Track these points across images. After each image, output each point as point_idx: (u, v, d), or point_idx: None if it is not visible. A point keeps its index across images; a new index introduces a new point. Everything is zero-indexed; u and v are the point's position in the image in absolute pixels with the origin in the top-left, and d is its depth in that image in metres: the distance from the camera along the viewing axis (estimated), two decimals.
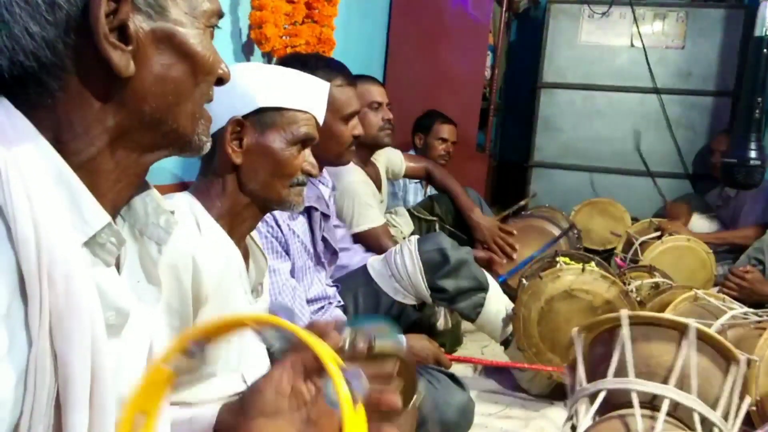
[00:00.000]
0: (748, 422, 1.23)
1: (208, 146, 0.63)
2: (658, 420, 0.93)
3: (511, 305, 1.97)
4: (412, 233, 2.48)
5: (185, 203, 1.01)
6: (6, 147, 0.49)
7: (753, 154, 3.03)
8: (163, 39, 0.55)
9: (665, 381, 0.98)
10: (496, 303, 1.91)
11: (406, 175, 2.73)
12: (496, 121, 4.07)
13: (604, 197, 3.61)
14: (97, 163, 0.55)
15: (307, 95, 1.09)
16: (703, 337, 1.02)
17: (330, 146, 1.60)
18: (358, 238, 2.10)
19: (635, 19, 3.90)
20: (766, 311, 1.51)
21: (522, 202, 3.36)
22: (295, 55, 1.81)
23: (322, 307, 1.63)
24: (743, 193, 3.27)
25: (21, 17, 0.50)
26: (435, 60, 3.56)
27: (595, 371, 1.08)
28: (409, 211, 2.70)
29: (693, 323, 1.02)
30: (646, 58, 3.90)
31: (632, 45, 3.95)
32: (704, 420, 0.96)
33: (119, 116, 0.55)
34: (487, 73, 3.70)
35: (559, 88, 4.11)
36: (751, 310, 1.56)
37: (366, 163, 2.30)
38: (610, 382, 1.01)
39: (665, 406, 0.95)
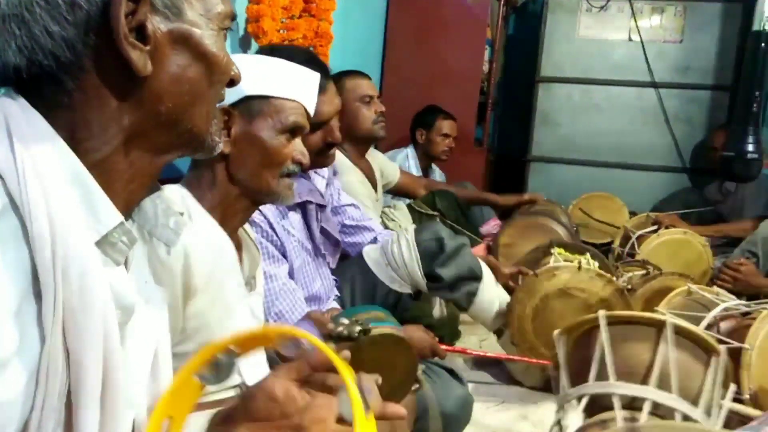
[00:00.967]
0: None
1: (220, 147, 0.64)
2: (640, 422, 0.93)
3: (505, 296, 1.98)
4: None
5: (177, 195, 1.00)
6: (22, 145, 0.49)
7: (750, 147, 3.04)
8: (179, 40, 0.56)
9: (645, 380, 0.99)
10: (489, 293, 1.91)
11: (399, 189, 2.74)
12: (494, 115, 4.07)
13: (602, 191, 3.62)
14: (111, 163, 0.55)
15: (295, 84, 1.09)
16: (681, 332, 1.02)
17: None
18: None
19: (633, 13, 3.90)
20: (760, 302, 1.51)
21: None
22: (274, 46, 1.79)
23: (322, 307, 1.63)
24: (743, 188, 3.27)
25: (41, 17, 0.50)
26: (433, 54, 3.56)
27: (579, 373, 1.09)
28: (409, 206, 2.70)
29: (670, 319, 1.02)
30: (644, 52, 3.90)
31: (630, 39, 3.95)
32: (686, 418, 0.96)
33: (135, 116, 0.55)
34: (485, 67, 3.69)
35: (557, 82, 4.10)
36: (743, 302, 1.57)
37: (361, 159, 2.30)
38: (592, 386, 1.02)
39: (647, 407, 0.95)
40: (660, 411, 0.97)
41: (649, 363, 0.99)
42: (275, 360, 1.06)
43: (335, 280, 1.78)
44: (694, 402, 0.97)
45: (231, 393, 0.96)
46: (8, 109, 0.51)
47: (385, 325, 1.04)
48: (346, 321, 1.02)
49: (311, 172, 1.70)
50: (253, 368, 1.00)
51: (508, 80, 4.47)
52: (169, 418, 0.59)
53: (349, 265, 1.84)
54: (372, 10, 3.43)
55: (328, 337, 1.02)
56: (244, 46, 2.08)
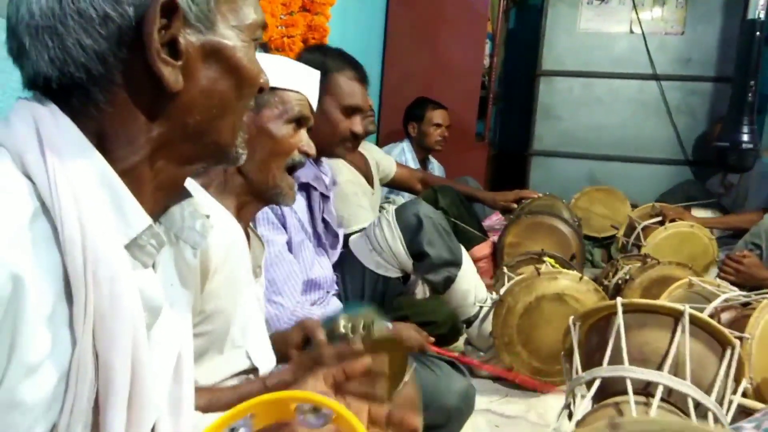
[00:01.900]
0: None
1: (243, 158, 0.64)
2: (652, 406, 0.93)
3: (482, 290, 1.98)
4: None
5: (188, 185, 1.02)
6: (52, 150, 0.50)
7: (745, 137, 3.02)
8: (211, 53, 0.56)
9: (660, 367, 0.99)
10: (467, 282, 1.92)
11: (396, 183, 2.73)
12: (495, 109, 4.06)
13: (604, 185, 3.61)
14: (137, 172, 0.55)
15: (298, 78, 1.12)
16: (697, 323, 1.02)
17: (323, 134, 1.60)
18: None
19: (634, 6, 3.89)
20: (760, 292, 1.51)
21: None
22: (318, 47, 1.84)
23: (321, 298, 1.63)
24: (746, 180, 3.26)
25: (74, 30, 0.51)
26: (433, 49, 3.55)
27: (591, 359, 1.09)
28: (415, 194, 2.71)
29: (687, 309, 1.02)
30: (646, 45, 3.89)
31: (631, 31, 3.94)
32: (698, 405, 0.96)
33: (163, 128, 0.55)
34: (486, 61, 3.69)
35: (558, 75, 4.10)
36: (744, 293, 1.56)
37: (353, 155, 2.29)
38: (605, 369, 1.02)
39: (659, 393, 0.95)
40: (672, 398, 0.97)
41: (664, 351, 0.99)
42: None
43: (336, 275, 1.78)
44: (707, 392, 0.97)
45: (241, 378, 0.98)
46: (38, 112, 0.52)
47: (383, 326, 1.05)
48: (345, 320, 1.03)
49: (317, 167, 1.70)
50: (260, 352, 1.02)
51: (509, 74, 4.46)
52: None
53: (338, 260, 1.84)
54: (372, 5, 3.43)
55: (326, 338, 1.03)
56: None
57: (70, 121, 0.52)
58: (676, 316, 1.01)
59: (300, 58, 1.70)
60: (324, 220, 1.67)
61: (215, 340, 0.97)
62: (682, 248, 2.67)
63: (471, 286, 1.96)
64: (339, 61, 1.66)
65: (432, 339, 1.56)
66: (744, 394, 1.03)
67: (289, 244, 1.50)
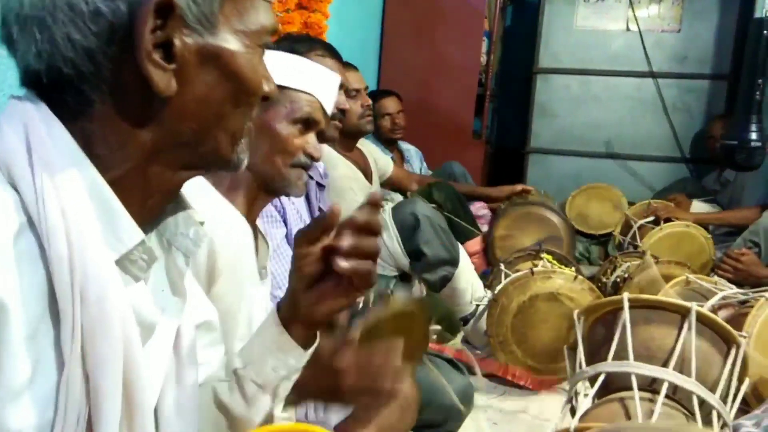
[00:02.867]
0: (743, 401, 1.24)
1: (245, 163, 0.61)
2: (657, 403, 0.93)
3: (480, 288, 1.98)
4: None
5: (195, 182, 1.01)
6: (42, 161, 0.48)
7: (754, 135, 3.01)
8: (209, 58, 0.52)
9: (665, 364, 0.98)
10: (464, 281, 1.91)
11: (392, 182, 2.71)
12: (492, 107, 4.06)
13: (600, 182, 3.61)
14: (129, 179, 0.53)
15: (311, 79, 1.08)
16: (703, 321, 1.01)
17: None
18: None
19: (631, 3, 3.89)
20: (757, 290, 1.51)
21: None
22: (285, 36, 1.80)
23: None
24: (742, 177, 3.25)
25: (63, 23, 0.48)
26: (430, 47, 3.55)
27: (595, 354, 1.08)
28: (405, 197, 2.70)
29: (694, 306, 1.02)
30: (642, 42, 3.89)
31: (628, 29, 3.94)
32: (703, 403, 0.96)
33: (156, 134, 0.53)
34: (483, 59, 3.68)
35: (555, 73, 4.10)
36: (741, 291, 1.57)
37: (351, 152, 2.29)
38: (610, 365, 1.01)
39: (664, 389, 0.95)
40: (677, 395, 0.97)
41: (670, 348, 0.99)
42: None
43: None
44: (711, 389, 0.97)
45: None
46: (28, 115, 0.50)
47: (405, 293, 1.03)
48: (370, 292, 1.02)
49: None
50: None
51: (506, 72, 4.45)
52: None
53: None
54: (369, 3, 3.42)
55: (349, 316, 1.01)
56: None
57: (61, 126, 0.50)
58: (683, 312, 1.00)
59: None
60: (320, 210, 1.67)
61: (227, 342, 0.96)
62: (679, 247, 2.67)
63: (468, 284, 1.96)
64: (308, 43, 1.64)
65: (434, 336, 1.56)
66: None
67: (288, 236, 1.50)
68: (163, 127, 0.53)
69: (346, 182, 2.12)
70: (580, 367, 1.09)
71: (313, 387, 0.75)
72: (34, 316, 0.46)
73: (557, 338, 1.77)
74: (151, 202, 0.56)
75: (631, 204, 3.38)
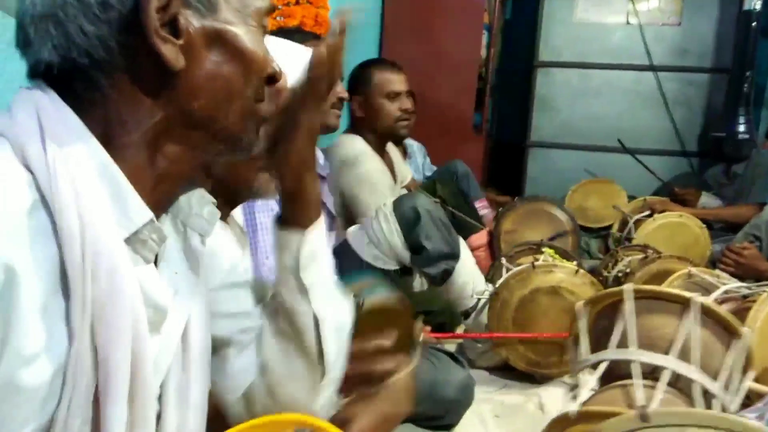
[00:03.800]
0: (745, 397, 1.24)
1: (259, 147, 0.63)
2: (658, 390, 0.93)
3: (481, 281, 1.98)
4: None
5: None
6: (54, 141, 0.49)
7: (742, 128, 3.02)
8: (213, 36, 0.55)
9: (666, 352, 0.99)
10: (465, 275, 1.91)
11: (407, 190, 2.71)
12: (492, 101, 4.05)
13: (601, 176, 3.62)
14: (142, 160, 0.55)
15: (280, 59, 1.08)
16: (706, 312, 1.02)
17: None
18: None
19: None
20: (760, 284, 1.51)
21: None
22: (279, 30, 1.80)
23: None
24: (752, 171, 3.25)
25: (75, 16, 0.51)
26: (430, 40, 3.54)
27: (598, 344, 1.09)
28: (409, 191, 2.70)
29: (697, 297, 1.02)
30: (642, 36, 3.89)
31: (628, 22, 3.93)
32: (705, 392, 0.96)
33: (168, 112, 0.55)
34: (483, 53, 3.67)
35: (555, 67, 4.09)
36: (744, 284, 1.56)
37: (383, 153, 2.28)
38: (612, 353, 1.02)
39: (665, 377, 0.95)
40: (679, 383, 0.97)
41: (672, 337, 0.99)
42: None
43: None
44: (713, 378, 0.98)
45: None
46: (40, 102, 0.52)
47: (378, 293, 1.04)
48: None
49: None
50: None
51: (506, 66, 4.44)
52: None
53: (335, 250, 1.83)
54: None
55: None
56: None
57: (70, 110, 0.52)
58: (686, 303, 1.01)
59: None
60: (322, 204, 1.67)
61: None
62: (674, 239, 2.67)
63: (469, 278, 1.96)
64: (301, 35, 1.63)
65: (428, 327, 1.56)
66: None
67: None
68: (175, 106, 0.55)
69: (377, 176, 2.10)
70: (583, 356, 1.09)
71: None
72: (46, 290, 0.47)
73: (558, 332, 1.77)
74: (165, 186, 0.58)
75: (631, 198, 3.38)
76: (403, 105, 2.21)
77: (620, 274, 2.25)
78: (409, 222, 1.79)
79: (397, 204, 1.83)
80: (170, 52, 0.52)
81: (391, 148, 2.44)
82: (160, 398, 0.60)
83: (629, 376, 0.96)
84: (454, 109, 3.29)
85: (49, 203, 0.48)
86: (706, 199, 3.25)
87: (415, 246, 1.80)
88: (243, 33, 0.57)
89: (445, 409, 1.54)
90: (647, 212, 2.95)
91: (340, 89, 1.77)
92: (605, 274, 2.33)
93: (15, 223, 0.46)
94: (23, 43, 0.54)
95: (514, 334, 1.82)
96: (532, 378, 1.89)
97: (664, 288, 1.08)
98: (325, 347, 0.72)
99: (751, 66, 3.11)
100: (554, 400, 1.75)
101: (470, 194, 3.00)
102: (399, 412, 1.22)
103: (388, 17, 3.61)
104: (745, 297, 1.47)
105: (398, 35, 3.59)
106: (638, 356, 0.97)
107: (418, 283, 1.98)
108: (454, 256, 1.88)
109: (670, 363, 0.96)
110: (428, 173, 3.17)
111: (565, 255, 2.17)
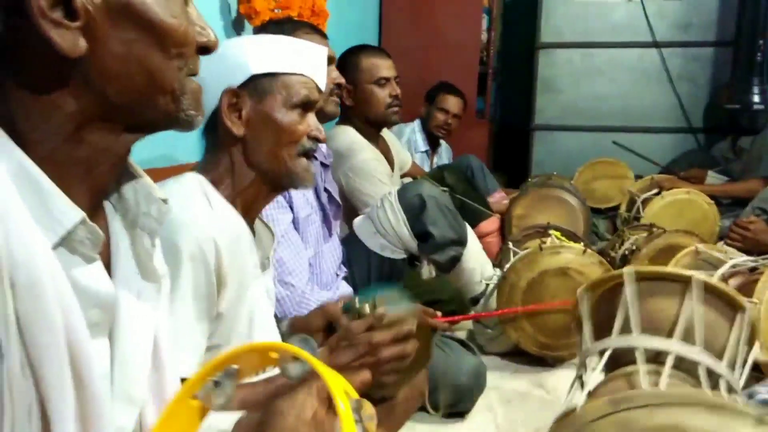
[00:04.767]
0: (757, 369, 1.24)
1: (199, 120, 0.57)
2: (663, 375, 0.93)
3: (489, 267, 1.98)
4: None
5: (195, 182, 0.98)
6: None
7: (756, 98, 2.97)
8: (118, 10, 0.48)
9: (670, 335, 0.98)
10: (473, 260, 1.91)
11: (408, 176, 2.71)
12: (495, 85, 4.03)
13: (607, 156, 3.59)
14: (64, 153, 0.50)
15: (301, 59, 1.05)
16: (708, 289, 1.01)
17: None
18: None
19: None
20: (767, 257, 1.51)
21: None
22: (270, 22, 1.80)
23: (329, 282, 1.63)
24: (759, 144, 3.21)
25: None
26: (430, 26, 3.51)
27: (602, 329, 1.08)
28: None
29: (697, 275, 1.01)
30: (644, 11, 3.83)
31: None
32: (711, 373, 0.96)
33: (83, 101, 0.49)
34: (484, 36, 3.65)
35: (557, 47, 4.05)
36: (751, 258, 1.56)
37: (376, 140, 2.27)
38: (615, 340, 1.01)
39: (670, 361, 0.95)
40: (683, 366, 0.96)
41: (674, 318, 0.98)
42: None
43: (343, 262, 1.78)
44: (718, 357, 0.97)
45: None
46: None
47: (399, 307, 1.04)
48: (365, 306, 1.03)
49: None
50: (263, 332, 1.03)
51: (507, 48, 4.41)
52: None
53: (343, 242, 1.83)
54: None
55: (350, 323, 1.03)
56: (237, 27, 2.05)
57: None
58: (687, 282, 1.00)
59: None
60: (326, 190, 1.67)
61: (226, 339, 0.97)
62: (682, 215, 2.66)
63: (477, 264, 1.96)
64: (292, 24, 1.63)
65: (439, 313, 1.56)
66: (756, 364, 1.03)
67: (296, 221, 1.50)
68: (89, 92, 0.50)
69: (372, 165, 2.09)
70: (586, 343, 1.09)
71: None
72: None
73: (568, 314, 1.77)
74: (98, 172, 0.53)
75: (638, 177, 3.35)
76: (393, 91, 2.19)
77: (627, 253, 2.24)
78: (414, 209, 1.79)
79: (402, 192, 1.83)
80: (63, 37, 0.46)
81: (386, 133, 2.43)
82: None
83: (634, 361, 0.95)
84: (459, 99, 3.27)
85: None
86: (712, 179, 3.22)
87: (421, 233, 1.80)
88: (154, 2, 0.50)
89: (458, 397, 1.55)
90: (656, 191, 2.93)
91: (336, 75, 1.76)
92: (612, 254, 2.32)
93: None
94: None
95: (525, 308, 1.81)
96: (543, 363, 1.89)
97: (665, 268, 1.07)
98: None
99: (763, 35, 3.04)
100: (566, 384, 1.75)
101: (488, 187, 3.00)
102: (412, 402, 1.23)
103: (386, 3, 3.59)
104: (752, 270, 1.46)
105: (397, 21, 3.57)
106: (641, 342, 0.97)
107: (427, 271, 1.97)
108: (462, 242, 1.87)
109: (674, 347, 0.95)
110: None
111: (572, 237, 2.16)
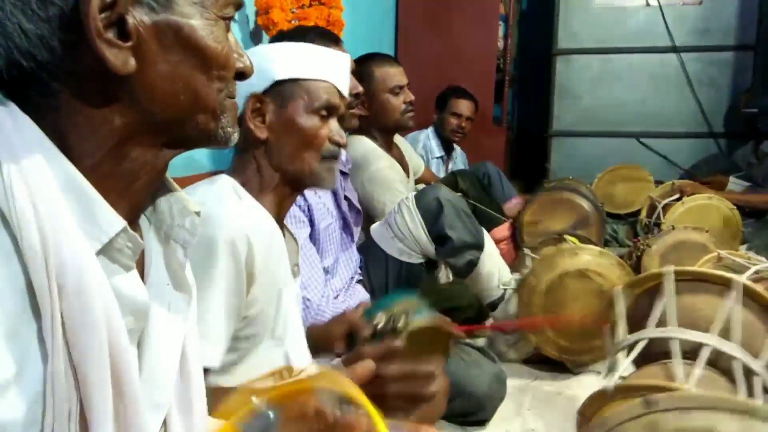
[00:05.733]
0: None
1: (236, 137, 0.60)
2: (697, 366, 0.92)
3: (506, 271, 1.97)
4: None
5: (228, 184, 1.02)
6: (11, 155, 0.47)
7: None
8: (167, 33, 0.51)
9: (707, 331, 0.97)
10: (491, 265, 1.90)
11: (422, 182, 2.71)
12: (511, 92, 4.02)
13: (627, 163, 3.56)
14: (108, 166, 0.52)
15: (324, 65, 1.08)
16: (747, 293, 1.00)
17: None
18: None
19: None
20: None
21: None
22: (283, 33, 1.81)
23: (345, 286, 1.63)
24: None
25: (13, 14, 0.47)
26: (446, 34, 3.52)
27: (635, 328, 1.07)
28: None
29: (736, 277, 1.01)
30: (663, 17, 3.81)
31: (648, 4, 3.86)
32: (747, 371, 0.94)
33: (128, 117, 0.52)
34: (500, 43, 3.64)
35: (574, 54, 4.03)
36: None
37: (390, 147, 2.28)
38: (651, 331, 1.00)
39: (705, 353, 0.93)
40: (720, 363, 0.95)
41: (712, 317, 0.97)
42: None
43: (360, 267, 1.78)
44: (755, 357, 0.96)
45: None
46: None
47: (423, 314, 1.04)
48: (384, 316, 1.03)
49: None
50: (298, 351, 1.03)
51: (524, 55, 4.41)
52: None
53: (360, 248, 1.84)
54: None
55: (371, 333, 1.03)
56: (255, 39, 2.08)
57: (30, 120, 0.49)
58: (727, 284, 0.99)
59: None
60: (346, 198, 1.67)
61: (257, 342, 0.98)
62: (704, 221, 2.61)
63: (494, 268, 1.95)
64: (311, 33, 1.65)
65: (456, 324, 1.55)
66: None
67: (315, 232, 1.50)
68: (135, 109, 0.52)
69: (388, 173, 2.09)
70: (621, 337, 1.08)
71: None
72: (13, 313, 0.45)
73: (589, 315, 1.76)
74: (137, 186, 0.55)
75: (658, 183, 3.32)
76: (407, 97, 2.20)
77: (639, 253, 2.23)
78: (432, 213, 1.79)
79: (420, 196, 1.83)
80: (116, 57, 0.48)
81: (398, 140, 2.44)
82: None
83: (667, 356, 0.94)
84: (472, 103, 3.27)
85: (8, 221, 0.45)
86: (734, 185, 3.17)
87: (439, 237, 1.79)
88: (201, 27, 0.53)
89: (478, 405, 1.54)
90: (677, 196, 2.89)
91: (353, 84, 1.78)
92: (629, 262, 2.30)
93: None
94: None
95: (545, 318, 1.80)
96: (563, 369, 1.87)
97: (705, 269, 1.06)
98: None
99: None
100: (588, 391, 1.73)
101: (505, 193, 2.99)
102: (433, 414, 1.22)
103: (402, 12, 3.60)
104: None
105: (413, 30, 3.58)
106: (678, 334, 0.96)
107: (444, 276, 1.97)
108: (479, 246, 1.87)
109: (711, 340, 0.94)
110: None
111: (587, 242, 2.14)
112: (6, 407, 0.44)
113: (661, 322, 1.00)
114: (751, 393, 0.92)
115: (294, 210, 1.45)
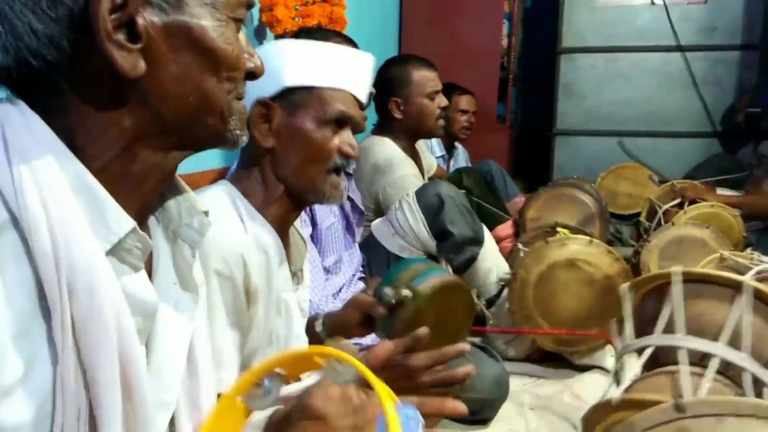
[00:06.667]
0: None
1: (244, 140, 0.59)
2: (705, 378, 0.90)
3: (504, 267, 1.96)
4: None
5: (225, 194, 0.97)
6: (21, 155, 0.47)
7: None
8: (178, 35, 0.51)
9: (716, 339, 0.95)
10: (489, 260, 1.89)
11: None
12: (515, 91, 4.00)
13: (631, 162, 3.54)
14: (117, 167, 0.52)
15: (341, 71, 1.00)
16: (758, 296, 0.97)
17: None
18: None
19: None
20: None
21: None
22: (301, 30, 1.81)
23: (347, 283, 1.63)
24: None
25: (22, 13, 0.47)
26: (450, 32, 3.51)
27: (644, 329, 1.05)
28: None
29: (747, 280, 0.98)
30: (668, 15, 3.79)
31: (653, 2, 3.84)
32: (756, 380, 0.92)
33: (137, 118, 0.52)
34: (504, 42, 3.63)
35: (579, 52, 4.01)
36: None
37: (414, 151, 2.25)
38: (658, 338, 0.98)
39: (714, 364, 0.91)
40: (729, 372, 0.93)
41: (721, 322, 0.94)
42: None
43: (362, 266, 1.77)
44: (766, 366, 0.94)
45: None
46: (6, 114, 0.48)
47: (430, 276, 1.01)
48: (390, 290, 1.00)
49: None
50: (298, 339, 1.03)
51: (528, 54, 4.39)
52: None
53: (362, 245, 1.83)
54: None
55: (386, 311, 1.00)
56: (259, 36, 2.07)
57: (40, 120, 0.49)
58: (737, 287, 0.96)
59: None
60: (349, 198, 1.67)
61: (256, 353, 0.97)
62: None
63: (492, 264, 1.94)
64: (324, 33, 1.64)
65: None
66: None
67: (317, 233, 1.50)
68: (144, 111, 0.52)
69: (412, 181, 2.06)
70: (627, 340, 1.06)
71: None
72: (22, 313, 0.45)
73: (580, 305, 1.75)
74: (147, 188, 0.55)
75: (663, 182, 3.30)
76: (441, 102, 2.18)
77: (639, 249, 2.22)
78: (433, 209, 1.78)
79: (420, 192, 1.82)
80: (125, 59, 0.48)
81: (417, 142, 2.43)
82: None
83: (675, 362, 0.92)
84: (476, 100, 3.26)
85: (19, 221, 0.45)
86: (722, 192, 3.14)
87: (440, 232, 1.79)
88: (211, 28, 0.53)
89: (480, 404, 1.53)
90: (677, 201, 2.87)
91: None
92: (633, 261, 2.29)
93: None
94: None
95: (554, 331, 1.79)
96: (566, 366, 1.87)
97: (714, 271, 1.04)
98: None
99: None
100: (591, 389, 1.73)
101: (508, 192, 2.98)
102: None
103: (406, 10, 3.59)
104: None
105: (417, 27, 3.57)
106: (685, 342, 0.93)
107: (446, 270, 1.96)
108: (479, 241, 1.86)
109: (720, 350, 0.91)
110: None
111: (579, 233, 2.13)
112: (12, 410, 0.44)
113: (669, 327, 0.98)
114: None
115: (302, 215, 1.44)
